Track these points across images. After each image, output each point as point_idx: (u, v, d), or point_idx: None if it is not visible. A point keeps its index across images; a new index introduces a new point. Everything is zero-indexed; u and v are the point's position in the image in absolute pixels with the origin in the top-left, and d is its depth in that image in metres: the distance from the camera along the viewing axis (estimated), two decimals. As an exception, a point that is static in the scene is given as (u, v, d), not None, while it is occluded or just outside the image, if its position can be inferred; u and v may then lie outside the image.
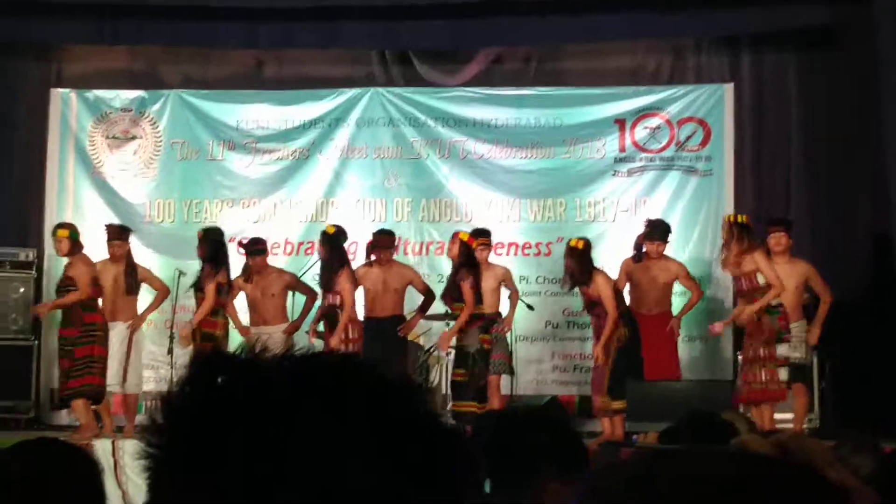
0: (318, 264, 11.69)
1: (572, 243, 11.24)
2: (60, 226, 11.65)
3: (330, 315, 11.32)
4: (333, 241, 11.44)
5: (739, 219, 10.88)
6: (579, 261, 11.10)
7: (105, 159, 13.38)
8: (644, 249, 11.62)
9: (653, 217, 12.07)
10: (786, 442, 1.74)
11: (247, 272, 11.71)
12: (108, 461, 10.00)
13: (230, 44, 13.24)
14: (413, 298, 11.90)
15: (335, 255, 11.37)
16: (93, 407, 11.35)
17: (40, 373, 12.43)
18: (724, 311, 12.32)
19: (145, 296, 12.02)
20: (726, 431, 4.47)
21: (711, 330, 11.57)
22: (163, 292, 11.96)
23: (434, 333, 11.88)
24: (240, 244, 11.95)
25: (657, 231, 11.71)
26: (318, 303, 11.68)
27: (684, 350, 12.04)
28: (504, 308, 11.77)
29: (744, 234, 10.69)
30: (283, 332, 11.60)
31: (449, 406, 11.22)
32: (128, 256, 11.71)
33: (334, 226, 11.69)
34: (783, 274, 10.71)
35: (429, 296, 11.76)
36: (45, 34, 13.06)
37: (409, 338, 12.05)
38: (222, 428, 1.11)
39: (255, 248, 11.78)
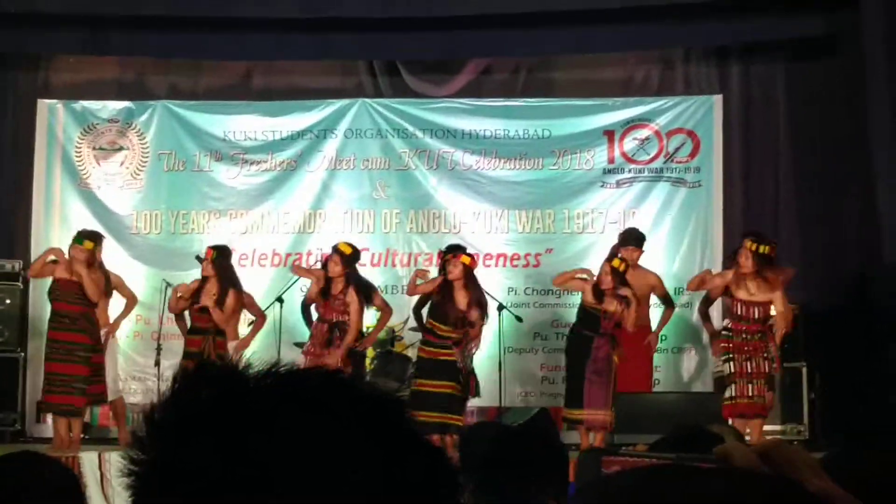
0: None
1: (615, 264, 11.18)
2: (92, 235, 11.55)
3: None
4: (349, 262, 11.35)
5: (762, 249, 10.78)
6: (622, 281, 11.10)
7: (92, 170, 13.36)
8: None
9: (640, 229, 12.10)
10: (769, 450, 1.72)
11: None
12: (94, 474, 9.98)
13: (220, 55, 13.23)
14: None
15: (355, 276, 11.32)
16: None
17: (26, 385, 12.39)
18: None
19: (116, 306, 11.93)
20: (714, 444, 4.45)
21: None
22: (132, 300, 11.87)
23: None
24: (197, 258, 11.71)
25: (631, 238, 11.75)
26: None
27: (671, 361, 12.07)
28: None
29: (764, 265, 10.68)
30: (234, 347, 11.47)
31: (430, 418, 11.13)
32: (100, 262, 11.60)
33: (349, 245, 11.54)
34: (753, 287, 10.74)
35: (386, 310, 11.65)
36: (32, 44, 13.04)
37: (398, 349, 12.03)
38: (205, 441, 1.11)
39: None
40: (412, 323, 11.96)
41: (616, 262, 11.19)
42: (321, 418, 1.11)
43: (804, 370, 11.35)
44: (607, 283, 11.08)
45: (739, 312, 10.72)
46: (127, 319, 11.97)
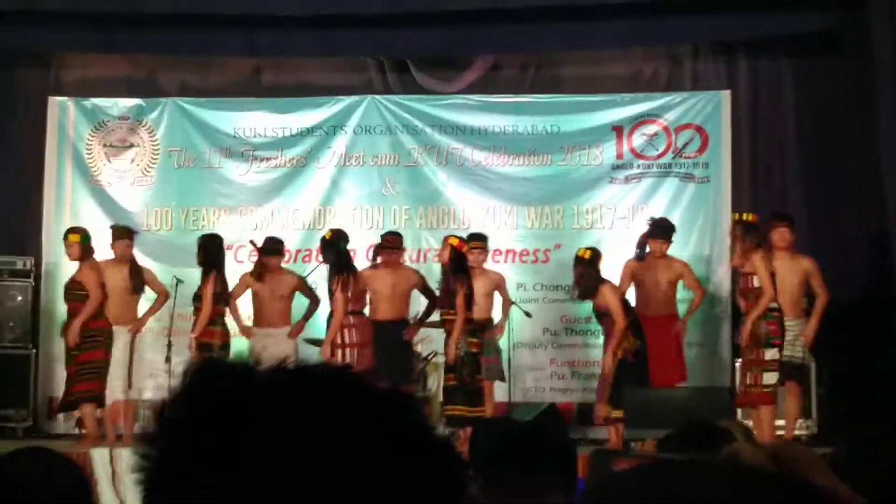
0: (322, 270, 11.76)
1: (580, 253, 11.30)
2: (72, 230, 11.67)
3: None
4: (328, 247, 11.45)
5: (744, 217, 10.91)
6: (586, 270, 11.15)
7: (102, 167, 13.38)
8: (647, 249, 11.62)
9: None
10: (777, 450, 1.74)
11: (259, 271, 11.73)
12: (106, 470, 10.00)
13: (228, 52, 13.24)
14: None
15: (332, 261, 11.38)
16: (98, 411, 11.39)
17: (38, 381, 12.43)
18: (723, 314, 12.34)
19: (144, 302, 12.03)
20: (723, 439, 4.46)
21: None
22: (163, 295, 11.95)
23: (433, 340, 11.86)
24: (252, 243, 11.99)
25: (661, 229, 11.71)
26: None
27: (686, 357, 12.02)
28: (496, 314, 11.75)
29: (746, 233, 10.74)
30: (287, 335, 11.65)
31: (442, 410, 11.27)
32: (132, 257, 11.77)
33: (332, 230, 11.69)
34: (784, 269, 10.77)
35: (433, 300, 11.76)
36: (43, 42, 13.04)
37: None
38: (213, 438, 1.11)
39: (273, 247, 11.84)
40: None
41: (581, 252, 11.27)
42: (330, 416, 1.12)
43: (812, 365, 11.33)
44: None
45: (746, 286, 10.78)
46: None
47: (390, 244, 11.72)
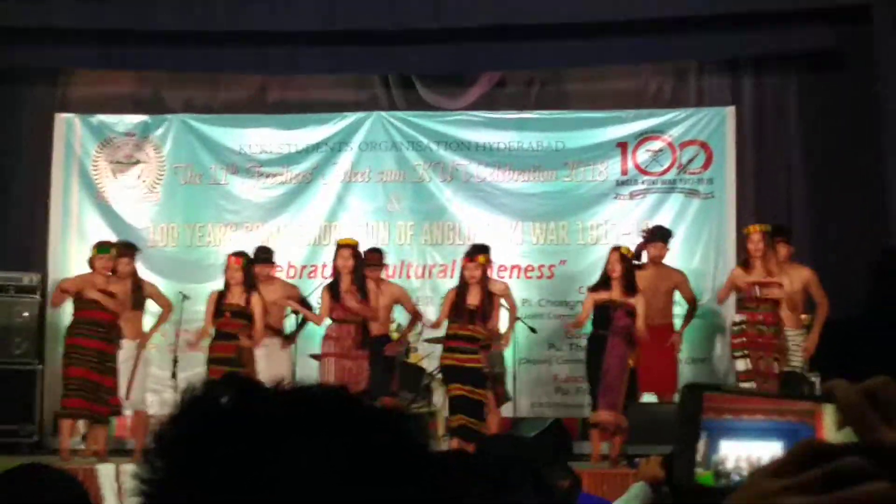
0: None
1: (623, 250, 11.18)
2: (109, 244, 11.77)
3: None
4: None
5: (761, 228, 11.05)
6: (631, 267, 11.10)
7: (109, 184, 13.41)
8: (645, 258, 11.62)
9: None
10: (876, 389, 1.72)
11: (252, 283, 11.68)
12: (111, 486, 10.01)
13: (235, 69, 13.28)
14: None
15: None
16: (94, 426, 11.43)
17: (44, 397, 12.43)
18: (725, 329, 12.32)
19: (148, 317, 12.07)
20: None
21: None
22: (167, 308, 12.00)
23: (437, 357, 11.85)
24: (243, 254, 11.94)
25: (657, 234, 11.75)
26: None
27: (685, 372, 12.02)
28: (503, 324, 11.68)
29: (773, 243, 10.91)
30: (280, 347, 11.59)
31: (454, 421, 11.09)
32: (134, 273, 11.78)
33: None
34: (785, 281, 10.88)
35: (416, 316, 11.77)
36: (50, 59, 13.09)
37: (412, 360, 12.04)
38: (213, 462, 1.12)
39: (263, 256, 11.82)
40: (427, 334, 11.96)
41: (624, 249, 11.20)
42: (325, 435, 1.13)
43: (818, 382, 11.32)
44: (617, 271, 11.04)
45: (752, 296, 10.80)
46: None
47: (372, 261, 11.72)
